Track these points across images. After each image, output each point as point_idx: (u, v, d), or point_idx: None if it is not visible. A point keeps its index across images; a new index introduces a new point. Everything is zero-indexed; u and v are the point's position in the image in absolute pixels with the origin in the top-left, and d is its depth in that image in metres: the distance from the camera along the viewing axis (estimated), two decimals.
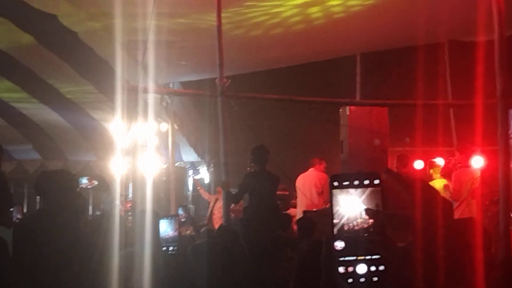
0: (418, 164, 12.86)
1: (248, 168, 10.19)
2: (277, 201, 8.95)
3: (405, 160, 10.64)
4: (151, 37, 8.47)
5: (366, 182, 1.30)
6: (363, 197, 1.33)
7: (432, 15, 9.34)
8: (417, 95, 11.08)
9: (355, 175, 1.29)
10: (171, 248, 5.74)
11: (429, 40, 11.37)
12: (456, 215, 9.96)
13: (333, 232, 1.25)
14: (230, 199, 8.57)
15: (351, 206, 1.30)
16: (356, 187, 1.30)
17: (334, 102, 12.03)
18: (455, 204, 10.31)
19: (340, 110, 11.38)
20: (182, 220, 10.52)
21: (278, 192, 9.08)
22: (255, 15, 9.26)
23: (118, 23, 8.79)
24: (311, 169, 11.56)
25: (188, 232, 10.20)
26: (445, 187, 10.90)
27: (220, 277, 4.00)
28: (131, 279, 4.41)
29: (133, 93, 9.32)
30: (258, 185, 8.19)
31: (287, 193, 12.45)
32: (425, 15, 9.20)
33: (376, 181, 1.30)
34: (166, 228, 5.74)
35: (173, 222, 5.84)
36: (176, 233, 5.84)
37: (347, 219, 1.29)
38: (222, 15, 8.26)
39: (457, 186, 10.69)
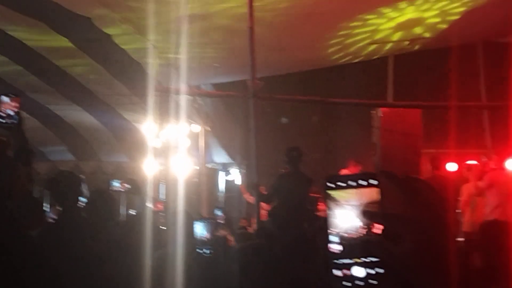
0: (451, 166, 12.70)
1: (282, 170, 10.17)
2: (309, 202, 8.90)
3: (438, 162, 10.54)
4: (184, 39, 8.49)
5: (363, 182, 1.25)
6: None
7: (466, 15, 9.24)
8: (450, 97, 10.95)
9: (350, 176, 1.25)
10: (206, 251, 5.75)
11: (463, 41, 11.23)
12: (491, 217, 9.82)
13: (328, 234, 1.22)
14: (262, 200, 8.56)
15: (344, 209, 1.27)
16: (351, 187, 1.26)
17: (366, 104, 11.95)
18: (489, 207, 10.16)
19: (373, 112, 11.30)
20: (219, 221, 10.50)
21: (312, 194, 9.03)
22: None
23: (151, 25, 8.85)
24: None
25: (224, 234, 10.19)
26: (480, 189, 10.74)
27: (256, 281, 3.96)
28: (165, 280, 4.42)
29: (165, 95, 9.35)
30: (290, 187, 8.16)
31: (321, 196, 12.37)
32: (459, 16, 9.11)
33: (373, 181, 1.25)
34: (201, 230, 5.74)
35: (208, 224, 5.84)
36: (211, 236, 5.83)
37: (340, 222, 1.25)
38: None
39: (492, 189, 10.53)
